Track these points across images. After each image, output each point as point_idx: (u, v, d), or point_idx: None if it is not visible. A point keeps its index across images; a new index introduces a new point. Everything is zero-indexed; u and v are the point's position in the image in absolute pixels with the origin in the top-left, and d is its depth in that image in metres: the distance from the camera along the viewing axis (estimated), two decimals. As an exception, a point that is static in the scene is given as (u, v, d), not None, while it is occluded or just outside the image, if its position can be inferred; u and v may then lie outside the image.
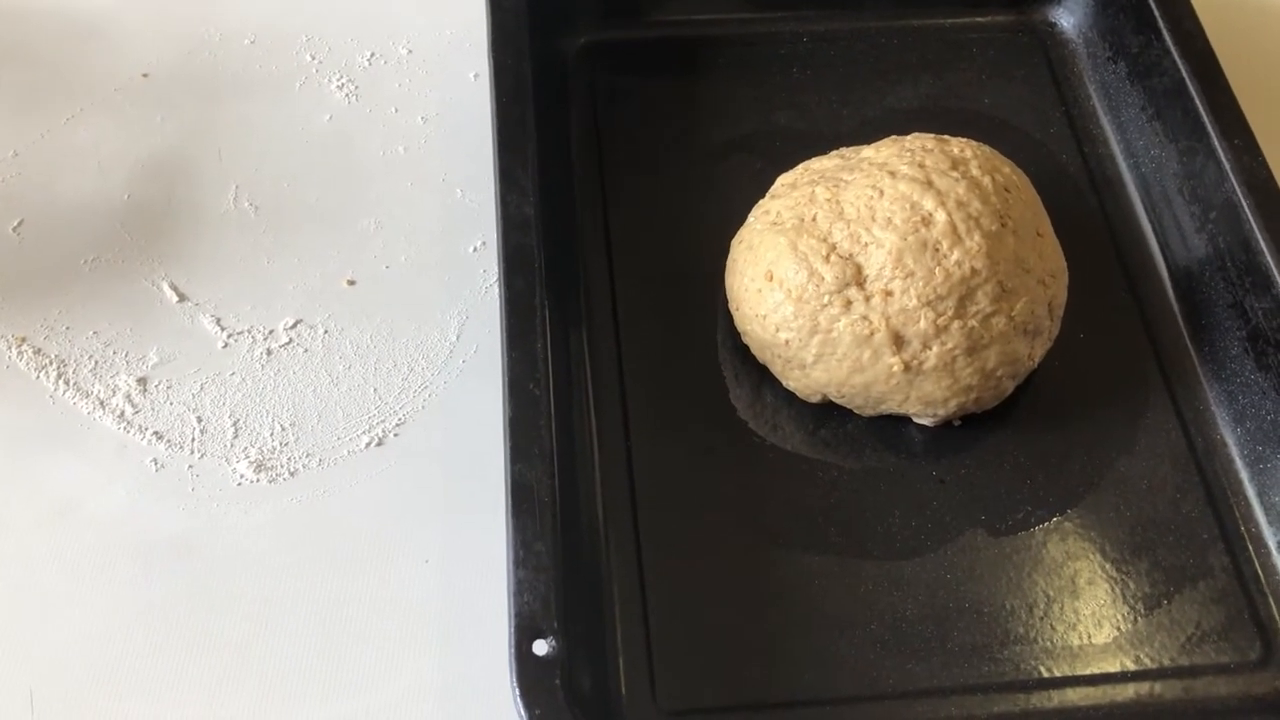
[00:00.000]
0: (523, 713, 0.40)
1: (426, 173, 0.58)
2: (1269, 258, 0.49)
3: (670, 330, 0.52)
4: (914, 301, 0.47)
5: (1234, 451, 0.50)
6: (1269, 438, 0.48)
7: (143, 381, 0.51)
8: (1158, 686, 0.44)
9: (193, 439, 0.50)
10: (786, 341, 0.49)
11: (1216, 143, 0.53)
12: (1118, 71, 0.60)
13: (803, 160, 0.53)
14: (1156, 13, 0.58)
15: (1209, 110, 0.54)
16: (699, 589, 0.46)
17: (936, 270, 0.47)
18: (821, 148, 0.54)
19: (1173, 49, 0.56)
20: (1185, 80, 0.55)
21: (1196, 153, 0.54)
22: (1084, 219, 0.56)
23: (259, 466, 0.49)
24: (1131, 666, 0.45)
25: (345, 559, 0.47)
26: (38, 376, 0.51)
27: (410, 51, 0.62)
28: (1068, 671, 0.45)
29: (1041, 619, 0.46)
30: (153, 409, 0.51)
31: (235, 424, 0.50)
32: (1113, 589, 0.47)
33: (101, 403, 0.51)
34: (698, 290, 0.53)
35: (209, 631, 0.46)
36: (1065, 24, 0.63)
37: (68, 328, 0.53)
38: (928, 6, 0.62)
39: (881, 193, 0.48)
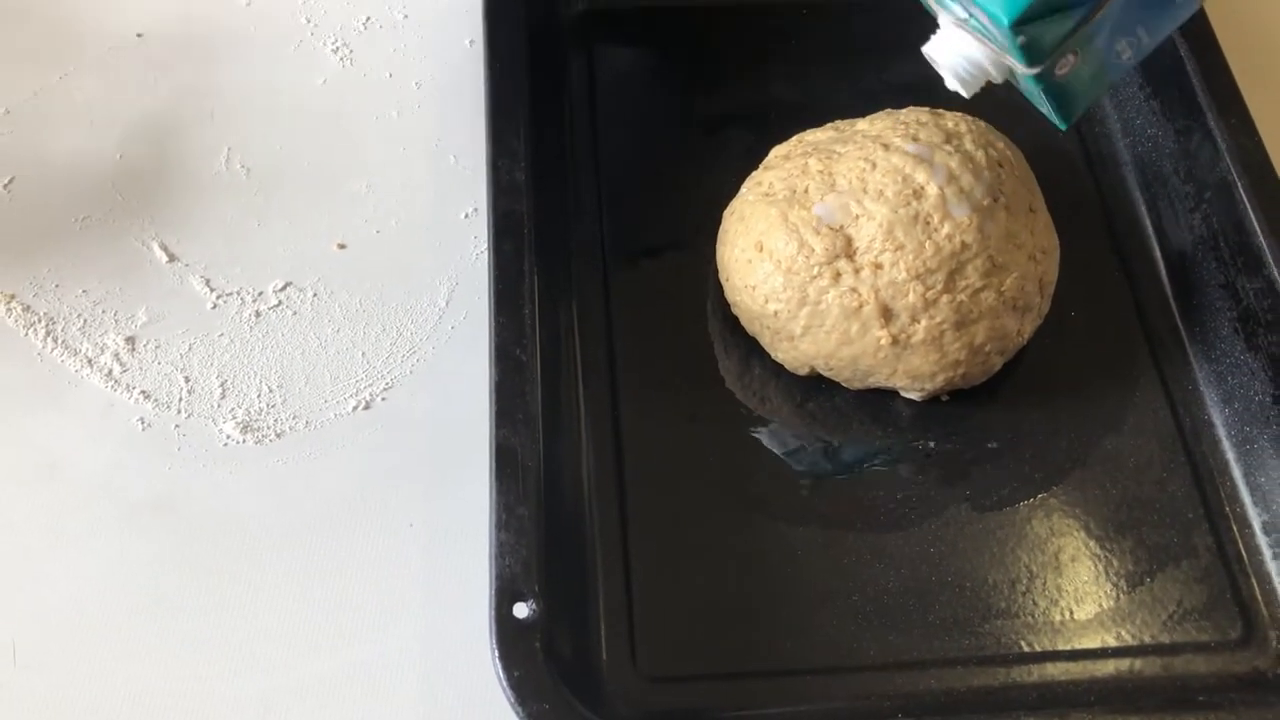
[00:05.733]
0: (501, 675, 0.40)
1: (420, 138, 0.58)
2: (1262, 239, 0.49)
3: (660, 300, 0.52)
4: (903, 275, 0.47)
5: (1221, 432, 0.49)
6: (1257, 419, 0.48)
7: (131, 341, 0.51)
8: (1138, 663, 0.45)
9: (180, 399, 0.50)
10: (775, 313, 0.48)
11: (1212, 122, 0.52)
12: (1117, 50, 0.59)
13: (797, 132, 0.53)
14: (1156, -9, 0.57)
15: (1206, 90, 0.53)
16: (682, 557, 0.46)
17: (927, 244, 0.47)
18: (817, 120, 0.53)
19: (1172, 27, 0.56)
20: (1183, 59, 0.55)
21: (1193, 132, 0.54)
22: (1078, 196, 0.56)
23: (245, 428, 0.49)
24: (1112, 643, 0.45)
25: (330, 521, 0.47)
26: (26, 334, 0.51)
27: (406, 16, 0.62)
28: (1048, 646, 0.45)
29: (1024, 594, 0.46)
30: (140, 368, 0.51)
31: (223, 385, 0.50)
32: (1096, 566, 0.47)
33: (89, 361, 0.51)
34: (689, 261, 0.53)
35: (191, 591, 0.46)
36: (1066, 1, 0.62)
37: (57, 286, 0.52)
38: (927, -19, 0.62)
39: (874, 165, 0.48)
